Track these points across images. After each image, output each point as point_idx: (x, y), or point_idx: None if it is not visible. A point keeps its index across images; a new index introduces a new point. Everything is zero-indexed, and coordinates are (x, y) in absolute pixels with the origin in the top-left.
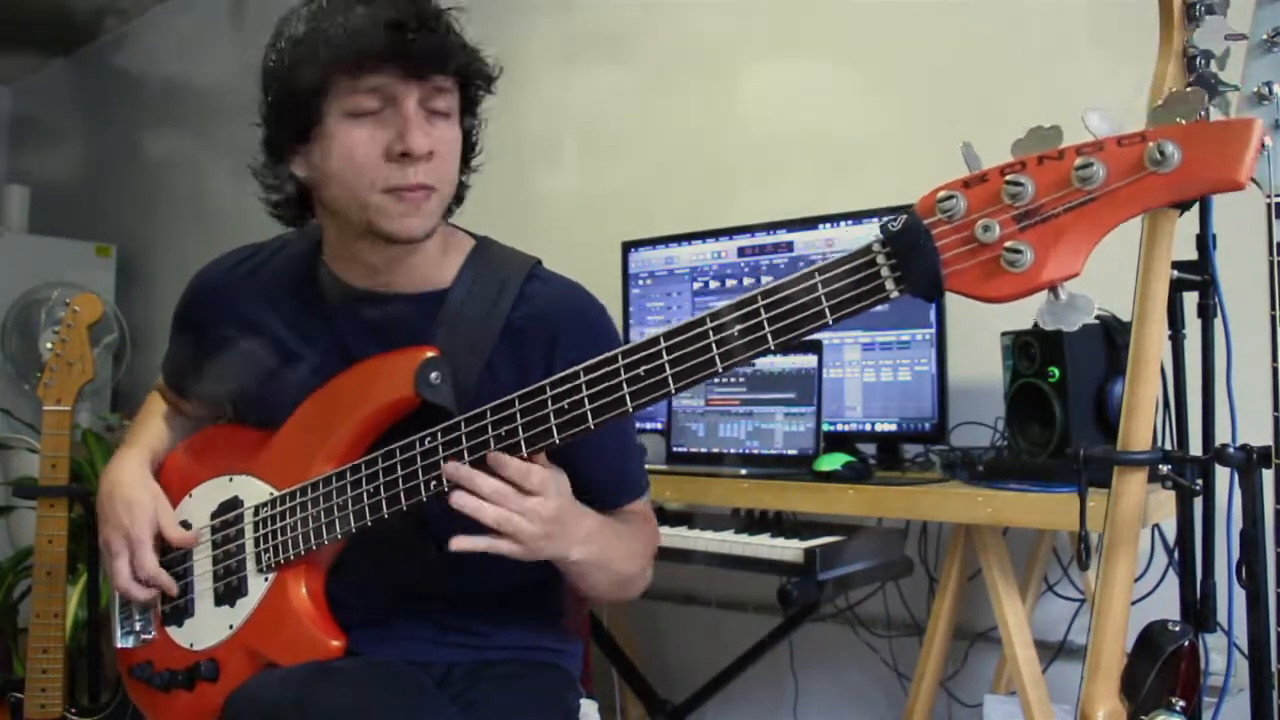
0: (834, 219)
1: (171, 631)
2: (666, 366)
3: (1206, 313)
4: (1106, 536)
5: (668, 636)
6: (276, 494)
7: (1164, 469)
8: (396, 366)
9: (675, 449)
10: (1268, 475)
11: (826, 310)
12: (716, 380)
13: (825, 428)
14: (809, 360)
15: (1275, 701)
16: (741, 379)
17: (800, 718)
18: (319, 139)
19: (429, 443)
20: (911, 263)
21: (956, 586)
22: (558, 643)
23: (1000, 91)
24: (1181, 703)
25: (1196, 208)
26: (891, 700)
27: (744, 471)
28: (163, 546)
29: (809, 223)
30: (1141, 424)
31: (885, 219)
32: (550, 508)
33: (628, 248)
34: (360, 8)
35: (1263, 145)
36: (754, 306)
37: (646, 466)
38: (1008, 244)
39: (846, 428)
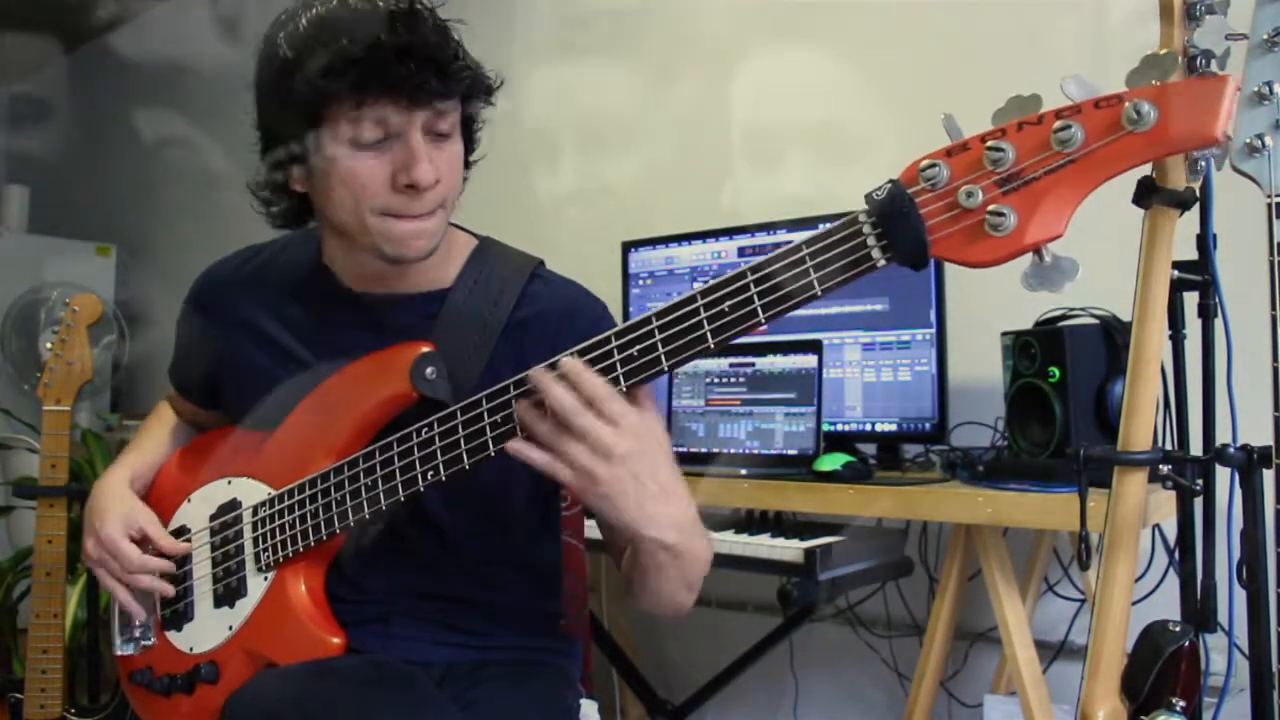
0: (834, 219)
1: (171, 636)
2: (659, 345)
3: (1207, 313)
4: (1107, 536)
5: (668, 636)
6: (274, 493)
7: (1164, 469)
8: (392, 362)
9: (675, 449)
10: (1268, 475)
11: (815, 282)
12: (716, 380)
13: (825, 428)
14: (809, 360)
15: (1275, 701)
16: (741, 379)
17: (800, 718)
18: (318, 162)
19: (425, 433)
20: (897, 231)
21: (956, 586)
22: (558, 643)
23: (999, 88)
24: (1182, 703)
25: (1196, 208)
26: (891, 700)
27: (744, 471)
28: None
29: (809, 222)
30: (1142, 424)
31: (870, 190)
32: (622, 444)
33: (628, 248)
34: (357, 31)
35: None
36: (743, 281)
37: None
38: (991, 208)
39: (846, 428)
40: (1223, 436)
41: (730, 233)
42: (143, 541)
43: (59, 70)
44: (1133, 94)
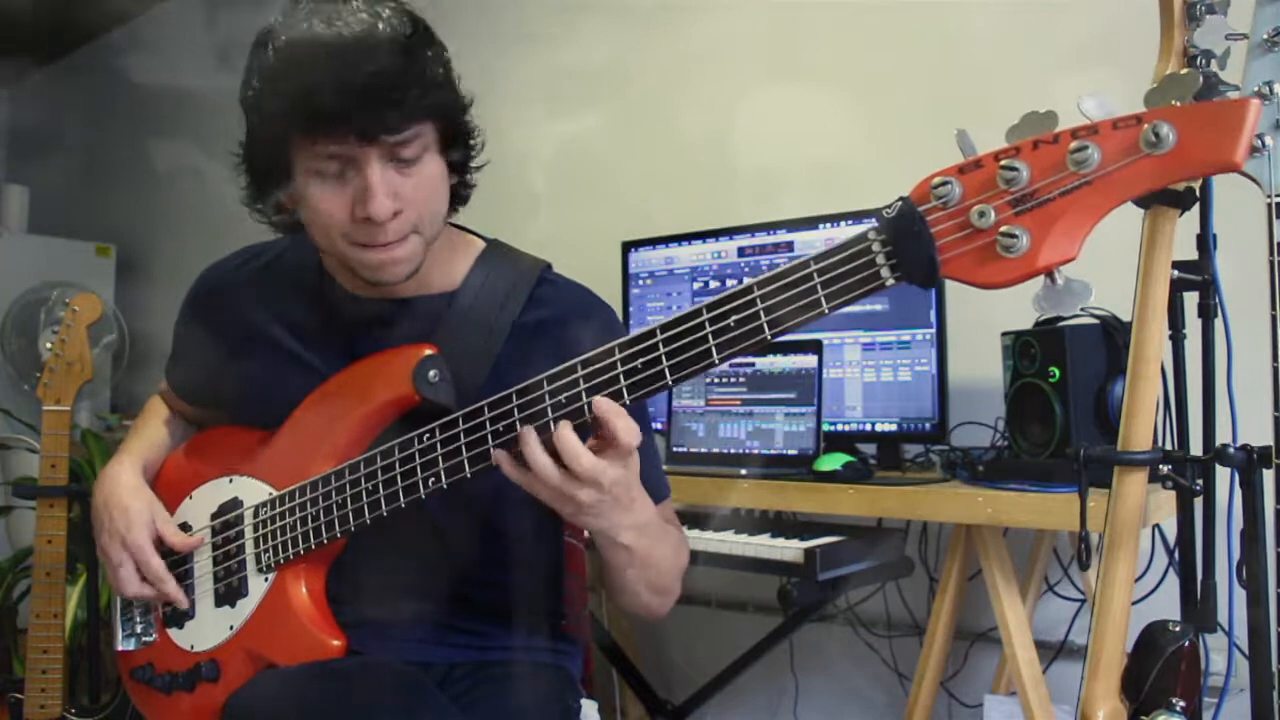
0: (834, 219)
1: (173, 633)
2: (663, 359)
3: (1207, 313)
4: (1107, 536)
5: (668, 636)
6: (276, 494)
7: (1164, 469)
8: (395, 365)
9: (675, 449)
10: (1268, 475)
11: (823, 299)
12: (716, 380)
13: (825, 428)
14: (809, 360)
15: (1275, 701)
16: (742, 379)
17: (800, 718)
18: (294, 187)
19: (428, 439)
20: (907, 250)
21: (956, 586)
22: (558, 643)
23: (998, 98)
24: (1182, 703)
25: (1196, 208)
26: (891, 700)
27: (744, 471)
28: (163, 550)
29: (809, 222)
30: (1142, 424)
31: (881, 207)
32: (611, 474)
33: (628, 248)
34: (310, 67)
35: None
36: (750, 297)
37: None
38: (1003, 229)
39: (847, 428)
40: (1223, 436)
41: (730, 233)
42: (156, 541)
43: (60, 71)
44: (1151, 115)
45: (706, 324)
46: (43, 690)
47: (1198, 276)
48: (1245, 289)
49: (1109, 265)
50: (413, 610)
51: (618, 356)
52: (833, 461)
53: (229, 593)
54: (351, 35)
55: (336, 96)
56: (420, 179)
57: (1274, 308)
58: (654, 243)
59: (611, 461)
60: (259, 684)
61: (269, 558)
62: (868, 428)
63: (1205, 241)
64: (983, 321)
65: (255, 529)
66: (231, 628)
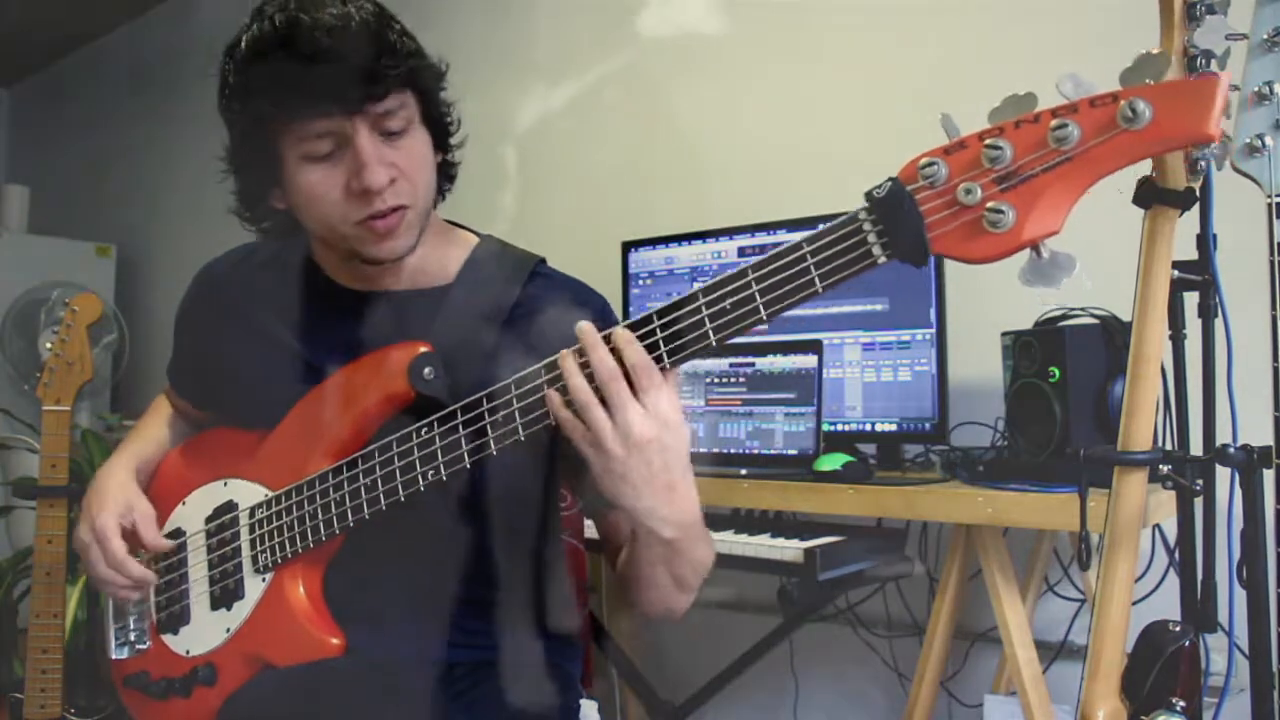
0: (834, 219)
1: (167, 639)
2: (661, 344)
3: (1207, 313)
4: (1107, 536)
5: (668, 636)
6: (271, 494)
7: (1164, 469)
8: (390, 362)
9: None
10: (1268, 475)
11: (816, 279)
12: (716, 380)
13: (825, 428)
14: (809, 360)
15: (1275, 701)
16: (742, 379)
17: (800, 718)
18: (284, 179)
19: (425, 433)
20: (897, 227)
21: (956, 586)
22: (558, 643)
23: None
24: (1182, 703)
25: (1196, 208)
26: (891, 700)
27: (744, 471)
28: (157, 556)
29: (809, 222)
30: (1142, 424)
31: (870, 188)
32: (647, 430)
33: (628, 248)
34: (287, 52)
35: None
36: (745, 279)
37: None
38: (989, 205)
39: (847, 428)
40: (1223, 436)
41: (730, 233)
42: (131, 535)
43: (60, 71)
44: (1127, 93)
45: (703, 308)
46: (42, 690)
47: (1198, 276)
48: (1245, 289)
49: (1109, 265)
50: (412, 610)
51: (614, 344)
52: (833, 461)
53: (225, 595)
54: (323, 16)
55: (318, 72)
56: (409, 150)
57: (1274, 308)
58: (654, 243)
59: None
60: (257, 686)
61: (266, 558)
62: (868, 428)
63: (1205, 241)
64: (983, 321)
65: (251, 530)
66: (228, 630)
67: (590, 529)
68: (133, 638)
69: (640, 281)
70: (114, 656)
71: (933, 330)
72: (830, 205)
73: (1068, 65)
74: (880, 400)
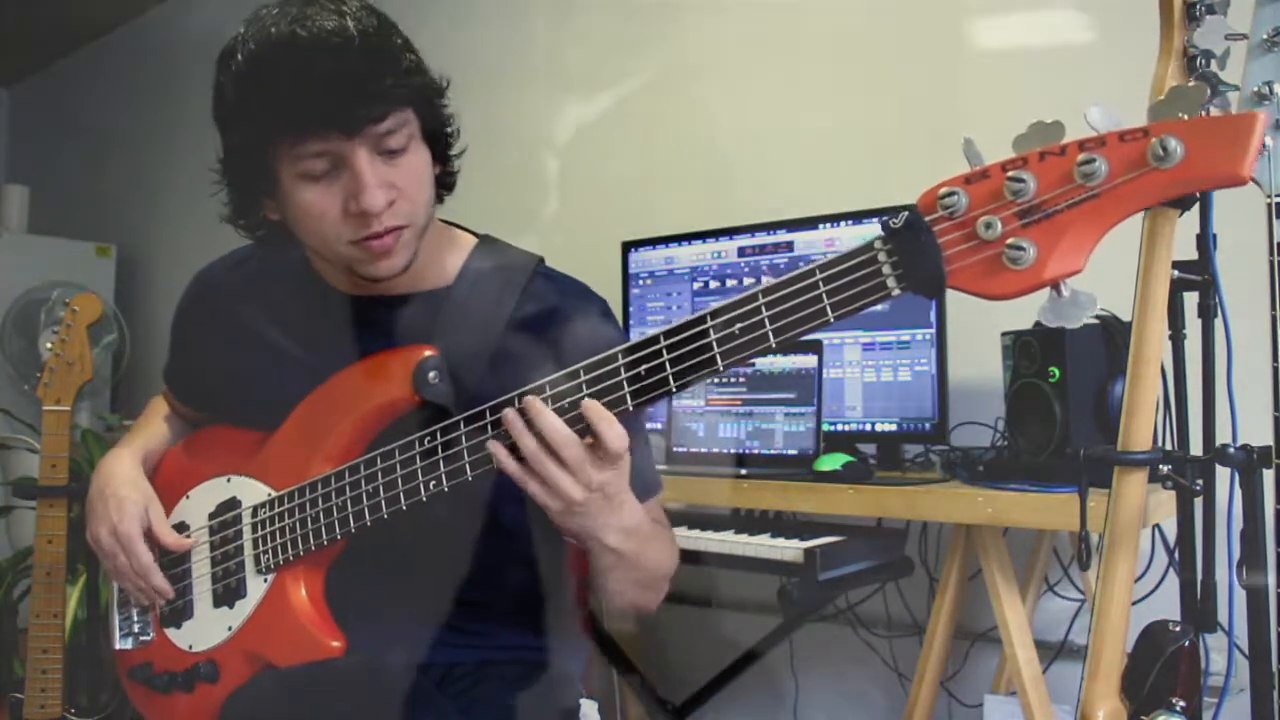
0: (834, 219)
1: (170, 633)
2: (667, 365)
3: (1207, 313)
4: (1107, 536)
5: (668, 636)
6: (274, 494)
7: (1164, 469)
8: (394, 365)
9: (675, 449)
10: (1268, 475)
11: (828, 308)
12: (716, 380)
13: (825, 428)
14: (809, 360)
15: (1275, 701)
16: (741, 379)
17: (800, 718)
18: (279, 194)
19: (428, 442)
20: (913, 260)
21: (956, 586)
22: (558, 643)
23: (1000, 93)
24: (1182, 703)
25: (1196, 208)
26: (891, 700)
27: (744, 471)
28: (161, 550)
29: (809, 223)
30: (1142, 424)
31: (886, 216)
32: (600, 477)
33: (628, 248)
34: (286, 69)
35: (1263, 146)
36: (754, 305)
37: None
38: (1010, 241)
39: (847, 428)
40: (1223, 436)
41: (730, 233)
42: (147, 534)
43: (60, 70)
44: (1159, 128)
45: (711, 331)
46: (43, 690)
47: (1198, 276)
48: (1245, 289)
49: (1109, 265)
50: (412, 610)
51: (621, 362)
52: (833, 461)
53: (227, 593)
54: (322, 31)
55: (317, 93)
56: (408, 168)
57: (1274, 308)
58: (654, 243)
59: (599, 465)
60: (258, 685)
61: (268, 559)
62: (868, 428)
63: (1205, 241)
64: (983, 321)
65: (254, 529)
66: (230, 628)
67: None
68: (136, 629)
69: (640, 281)
70: (117, 647)
71: (933, 330)
72: (830, 205)
73: (1069, 65)
74: (880, 400)
